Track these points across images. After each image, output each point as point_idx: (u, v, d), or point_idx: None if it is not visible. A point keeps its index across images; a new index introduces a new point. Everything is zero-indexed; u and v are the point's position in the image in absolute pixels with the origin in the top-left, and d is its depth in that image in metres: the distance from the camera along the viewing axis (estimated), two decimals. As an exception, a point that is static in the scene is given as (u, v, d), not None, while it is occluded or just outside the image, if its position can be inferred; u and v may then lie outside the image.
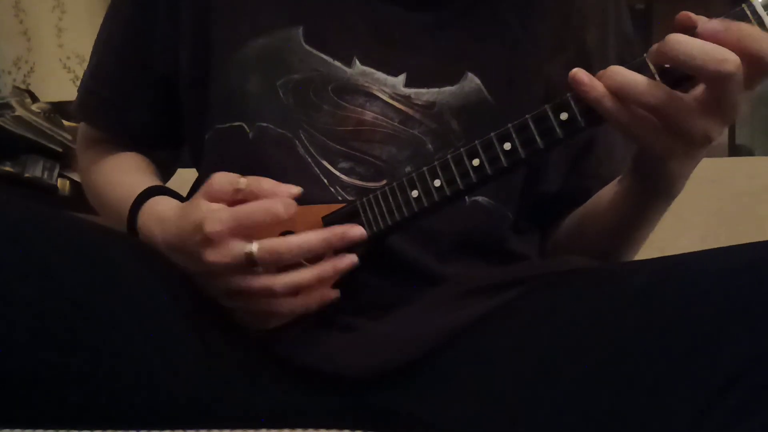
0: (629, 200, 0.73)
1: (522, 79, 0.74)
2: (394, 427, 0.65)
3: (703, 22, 0.56)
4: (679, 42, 0.55)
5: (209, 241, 0.62)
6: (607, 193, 0.78)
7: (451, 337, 0.67)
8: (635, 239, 0.78)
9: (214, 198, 0.64)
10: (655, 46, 0.57)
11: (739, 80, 0.55)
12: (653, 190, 0.69)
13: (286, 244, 0.62)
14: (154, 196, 0.74)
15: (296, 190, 0.64)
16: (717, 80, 0.55)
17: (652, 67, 0.58)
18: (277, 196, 0.63)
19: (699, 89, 0.58)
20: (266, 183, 0.64)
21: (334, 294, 0.65)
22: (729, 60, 0.54)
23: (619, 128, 0.59)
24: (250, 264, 0.62)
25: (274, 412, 0.66)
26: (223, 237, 0.62)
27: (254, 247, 0.62)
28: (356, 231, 0.64)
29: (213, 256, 0.62)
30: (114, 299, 0.63)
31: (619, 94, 0.57)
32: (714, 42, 0.55)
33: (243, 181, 0.64)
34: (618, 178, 0.75)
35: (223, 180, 0.65)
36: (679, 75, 0.58)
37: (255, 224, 0.62)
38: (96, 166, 0.86)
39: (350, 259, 0.64)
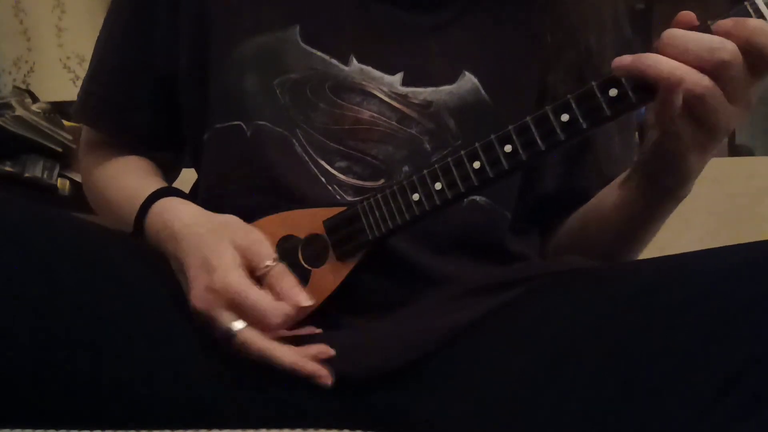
0: (638, 202, 0.72)
1: (519, 80, 0.74)
2: (394, 427, 0.65)
3: (717, 23, 0.57)
4: (675, 36, 0.57)
5: (206, 290, 0.63)
6: (610, 194, 0.77)
7: (451, 337, 0.66)
8: (642, 240, 0.78)
9: (243, 254, 0.65)
10: (628, 58, 0.57)
11: (739, 67, 0.56)
12: (664, 190, 0.69)
13: (260, 348, 0.63)
14: (163, 197, 0.74)
15: (307, 303, 0.64)
16: (717, 68, 0.56)
17: None
18: (286, 300, 0.64)
19: None
20: (287, 283, 0.65)
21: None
22: (725, 48, 0.55)
23: (664, 119, 0.59)
24: (225, 334, 0.63)
25: (274, 412, 0.66)
26: (217, 299, 0.63)
27: (236, 327, 0.63)
28: (325, 380, 0.64)
29: (200, 303, 0.64)
30: (114, 299, 0.64)
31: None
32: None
33: (272, 269, 0.65)
34: (622, 180, 0.74)
35: (262, 250, 0.66)
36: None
37: (249, 313, 0.63)
38: (98, 169, 0.85)
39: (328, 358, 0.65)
